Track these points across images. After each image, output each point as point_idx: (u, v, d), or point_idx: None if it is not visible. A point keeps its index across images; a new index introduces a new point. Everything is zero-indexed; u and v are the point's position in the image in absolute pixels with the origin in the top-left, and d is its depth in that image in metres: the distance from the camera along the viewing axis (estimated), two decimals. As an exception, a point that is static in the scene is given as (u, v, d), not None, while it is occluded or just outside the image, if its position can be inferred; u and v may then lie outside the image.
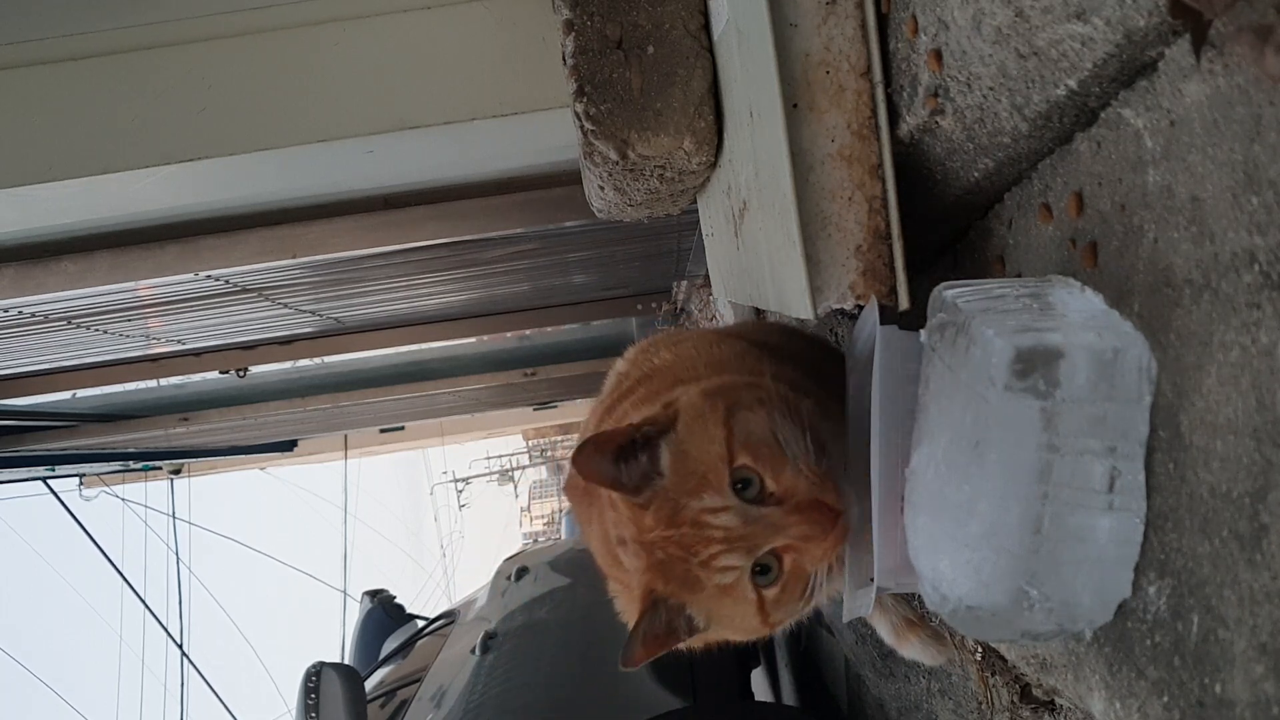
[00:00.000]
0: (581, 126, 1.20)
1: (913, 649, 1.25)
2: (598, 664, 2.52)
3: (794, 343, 1.32)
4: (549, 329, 4.87)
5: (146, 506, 9.93)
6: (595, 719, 2.33)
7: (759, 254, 1.12)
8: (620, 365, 1.31)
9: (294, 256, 2.20)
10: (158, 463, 7.89)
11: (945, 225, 1.06)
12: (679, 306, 4.20)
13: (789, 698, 3.07)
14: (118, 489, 8.69)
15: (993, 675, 1.13)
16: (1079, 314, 0.69)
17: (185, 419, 5.05)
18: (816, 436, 0.91)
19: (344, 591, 12.46)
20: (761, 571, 0.91)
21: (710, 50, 1.21)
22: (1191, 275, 0.61)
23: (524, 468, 26.52)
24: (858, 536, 0.93)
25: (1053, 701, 1.01)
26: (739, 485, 0.90)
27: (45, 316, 2.66)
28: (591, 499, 1.13)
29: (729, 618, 0.95)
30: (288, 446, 8.62)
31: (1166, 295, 0.63)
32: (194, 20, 1.57)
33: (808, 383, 1.02)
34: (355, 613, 4.97)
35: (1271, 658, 0.55)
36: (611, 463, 0.92)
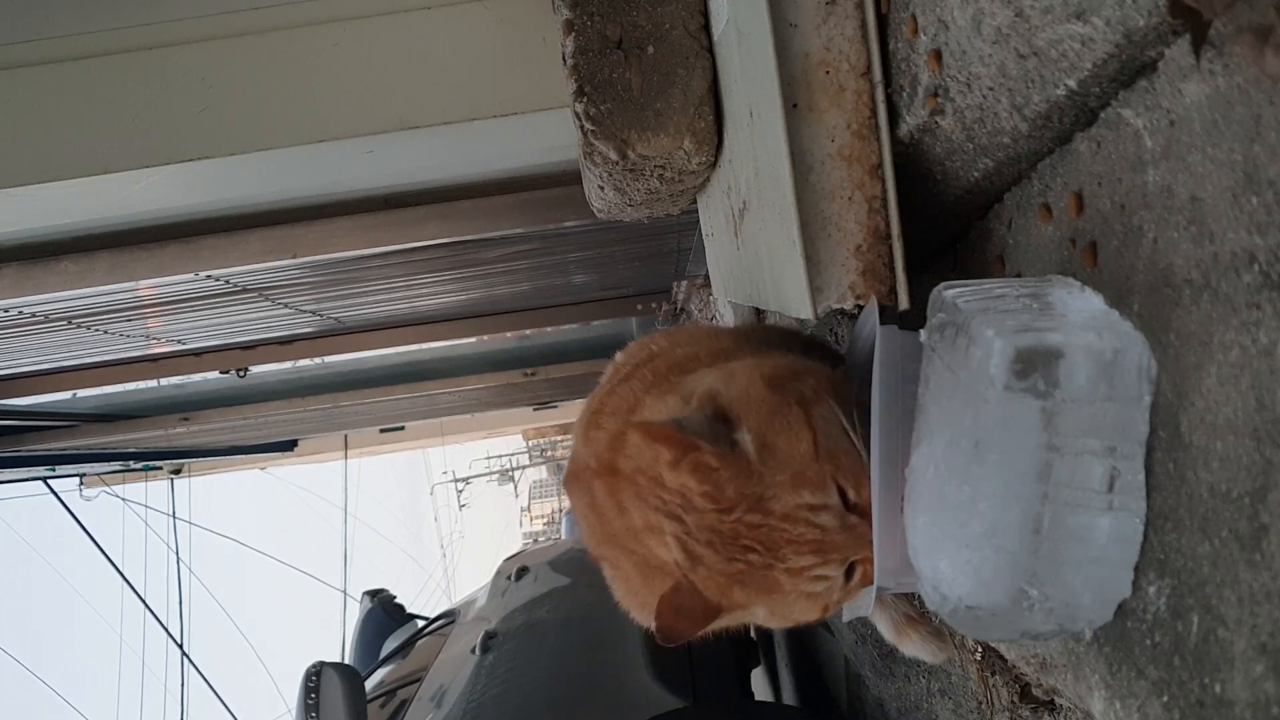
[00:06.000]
0: (581, 126, 1.20)
1: (913, 646, 1.25)
2: (598, 664, 2.52)
3: (790, 344, 1.32)
4: (549, 329, 4.87)
5: (146, 506, 9.93)
6: (595, 719, 2.33)
7: (759, 254, 1.12)
8: (618, 357, 1.29)
9: (294, 256, 2.20)
10: (158, 463, 7.89)
11: (945, 225, 1.06)
12: (679, 306, 4.20)
13: (789, 698, 3.07)
14: (118, 489, 8.70)
15: (993, 675, 1.13)
16: (1079, 314, 0.69)
17: (185, 419, 5.05)
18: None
19: (344, 591, 12.48)
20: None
21: (710, 50, 1.21)
22: (1191, 275, 0.61)
23: (524, 468, 26.52)
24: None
25: (1053, 701, 1.01)
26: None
27: (45, 316, 2.66)
28: (599, 491, 1.10)
29: (791, 613, 0.93)
30: (288, 446, 8.63)
31: (1166, 295, 0.63)
32: (194, 20, 1.57)
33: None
34: (355, 613, 4.97)
35: (1271, 658, 0.55)
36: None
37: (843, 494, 0.87)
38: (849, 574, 0.89)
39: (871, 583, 0.89)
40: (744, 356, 1.04)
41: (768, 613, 0.94)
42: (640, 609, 1.16)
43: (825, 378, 0.94)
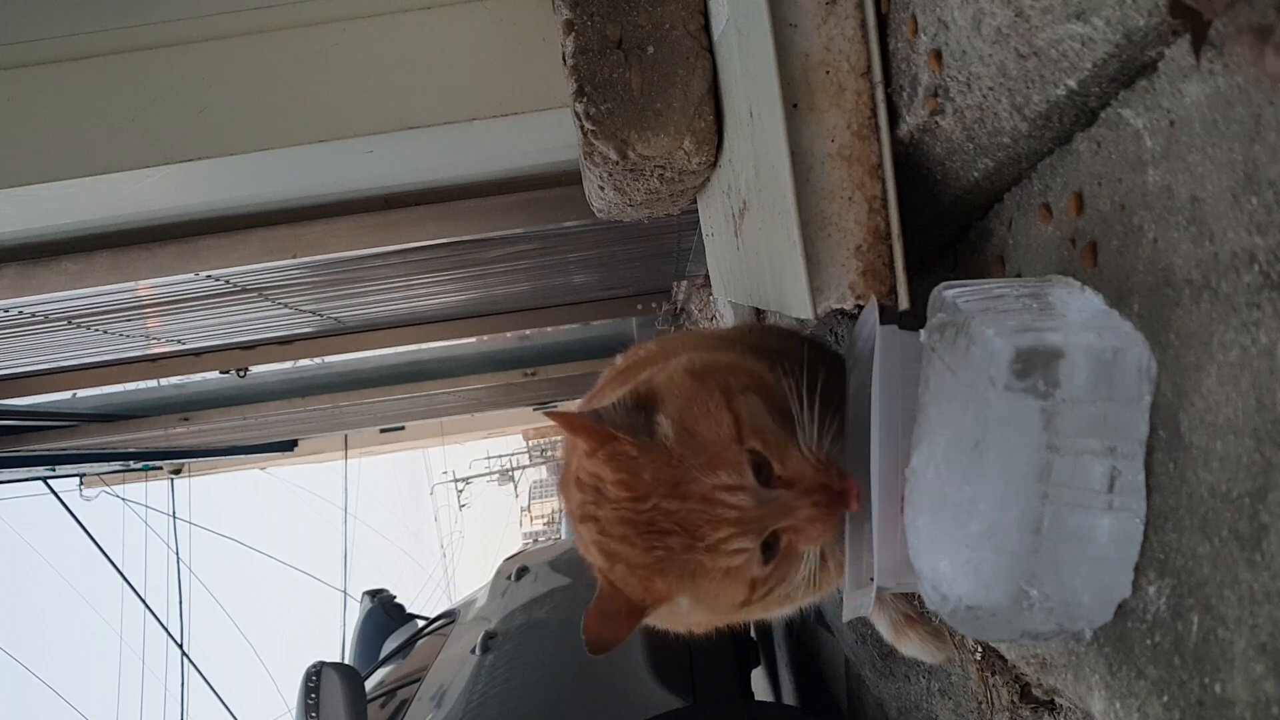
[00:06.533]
0: (581, 126, 1.20)
1: (912, 645, 1.25)
2: (598, 664, 2.52)
3: (787, 344, 1.32)
4: (549, 329, 4.87)
5: (147, 506, 9.95)
6: (595, 719, 2.33)
7: (759, 254, 1.12)
8: (618, 361, 1.31)
9: (294, 256, 2.20)
10: (158, 463, 7.89)
11: (945, 225, 1.06)
12: (679, 306, 4.20)
13: (789, 698, 3.07)
14: (118, 489, 8.70)
15: (993, 675, 1.13)
16: (1079, 314, 0.69)
17: (185, 419, 5.05)
18: (813, 419, 0.90)
19: (344, 591, 12.49)
20: (763, 549, 0.89)
21: (710, 50, 1.21)
22: (1191, 275, 0.61)
23: (524, 468, 26.52)
24: (858, 534, 0.93)
25: (1053, 701, 1.01)
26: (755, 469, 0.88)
27: (45, 316, 2.66)
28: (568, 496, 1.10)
29: (714, 597, 0.92)
30: (288, 446, 8.62)
31: (1166, 295, 0.63)
32: (194, 20, 1.57)
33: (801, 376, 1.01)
34: (355, 613, 4.97)
35: (1271, 658, 0.55)
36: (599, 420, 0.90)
37: (767, 469, 0.87)
38: (772, 550, 0.88)
39: (799, 554, 0.89)
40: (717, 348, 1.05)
41: (693, 601, 0.92)
42: None
43: (758, 378, 0.94)
